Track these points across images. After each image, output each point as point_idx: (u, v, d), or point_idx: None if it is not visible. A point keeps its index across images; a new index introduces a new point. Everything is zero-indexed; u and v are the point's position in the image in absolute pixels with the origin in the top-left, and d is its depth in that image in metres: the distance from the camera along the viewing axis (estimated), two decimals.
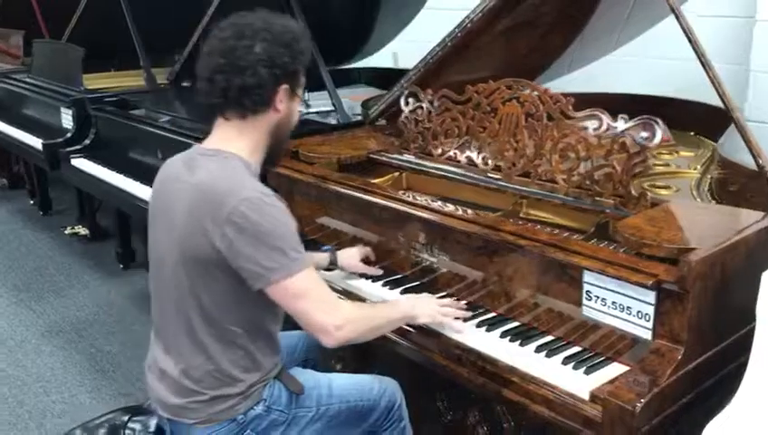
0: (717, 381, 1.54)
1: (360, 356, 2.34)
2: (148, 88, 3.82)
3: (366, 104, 3.11)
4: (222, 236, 1.47)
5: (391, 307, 1.74)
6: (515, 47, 2.57)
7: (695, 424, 1.61)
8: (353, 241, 2.11)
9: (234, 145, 1.60)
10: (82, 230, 4.37)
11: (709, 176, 2.14)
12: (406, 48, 4.50)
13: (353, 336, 1.57)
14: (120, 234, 3.99)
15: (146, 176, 3.11)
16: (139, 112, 3.38)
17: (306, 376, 1.71)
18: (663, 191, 1.97)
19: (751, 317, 1.57)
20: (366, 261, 2.02)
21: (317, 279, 1.56)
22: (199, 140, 2.73)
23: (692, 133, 2.57)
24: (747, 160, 2.00)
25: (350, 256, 1.98)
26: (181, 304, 1.57)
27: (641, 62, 3.50)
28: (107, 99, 3.56)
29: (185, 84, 3.75)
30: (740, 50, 3.12)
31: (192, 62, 3.53)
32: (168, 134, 2.93)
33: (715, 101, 2.76)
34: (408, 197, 2.00)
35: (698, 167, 2.25)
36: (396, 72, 3.87)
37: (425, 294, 1.83)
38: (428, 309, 1.73)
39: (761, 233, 1.54)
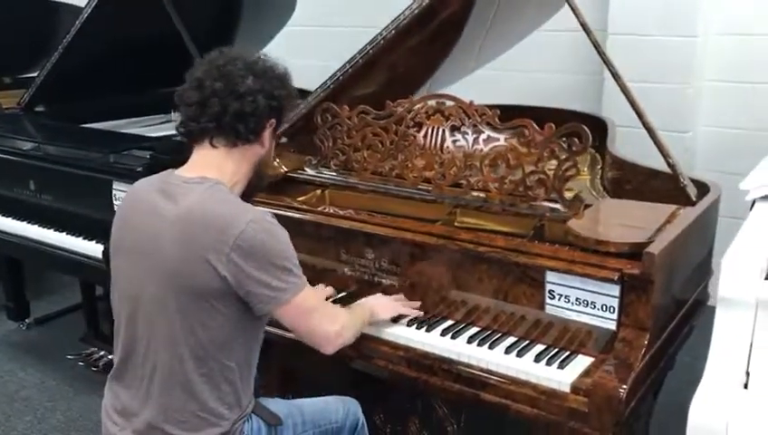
0: (667, 361, 1.70)
1: (284, 380, 2.31)
2: None
3: None
4: (228, 262, 1.42)
5: (360, 309, 1.76)
6: (401, 65, 2.64)
7: (648, 404, 1.79)
8: None
9: (217, 173, 1.55)
10: None
11: (598, 177, 2.35)
12: None
13: (346, 341, 1.62)
14: None
15: (12, 209, 2.84)
16: None
17: (278, 406, 1.66)
18: (567, 193, 2.12)
19: (686, 299, 1.78)
20: None
21: (317, 291, 1.62)
22: (87, 168, 2.58)
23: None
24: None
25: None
26: (168, 343, 1.47)
27: (498, 75, 3.74)
28: None
29: (39, 109, 3.44)
30: (595, 61, 3.43)
31: (51, 84, 3.31)
32: (46, 164, 2.69)
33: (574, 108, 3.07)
34: (352, 213, 2.00)
35: (585, 169, 2.45)
36: None
37: (376, 294, 1.86)
38: (385, 304, 1.80)
39: (694, 223, 1.72)
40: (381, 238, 1.87)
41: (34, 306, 3.54)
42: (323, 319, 1.57)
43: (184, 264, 1.44)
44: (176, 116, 3.68)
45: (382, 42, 2.26)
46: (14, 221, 2.79)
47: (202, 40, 3.56)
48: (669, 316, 1.69)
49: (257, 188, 1.72)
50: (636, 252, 1.56)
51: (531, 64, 3.76)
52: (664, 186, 2.05)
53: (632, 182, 2.21)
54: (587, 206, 1.89)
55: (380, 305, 1.80)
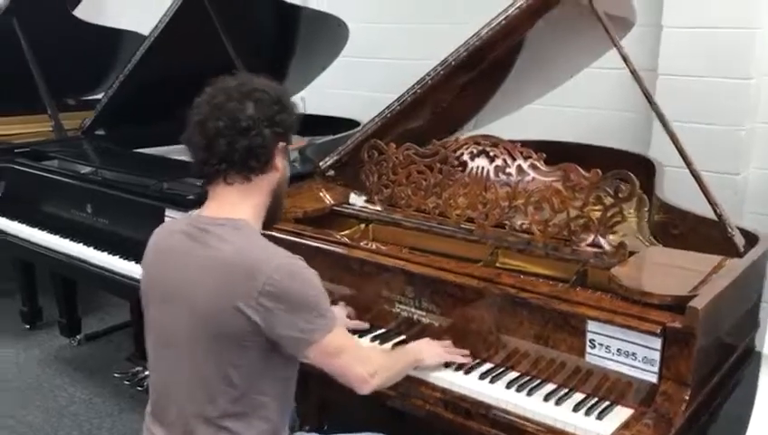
0: (710, 415, 1.67)
1: (321, 410, 2.34)
2: (57, 137, 3.61)
3: (304, 152, 3.13)
4: (257, 308, 1.43)
5: (404, 352, 1.76)
6: (446, 103, 2.65)
7: None
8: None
9: (240, 211, 1.56)
10: None
11: (645, 220, 2.33)
12: (309, 93, 4.56)
13: (383, 382, 1.62)
14: (25, 290, 3.70)
15: (72, 232, 2.95)
16: (56, 164, 3.19)
17: None
18: (612, 236, 2.11)
19: (731, 351, 1.75)
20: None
21: (347, 332, 1.61)
22: (140, 194, 2.68)
23: None
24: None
25: (339, 314, 1.94)
26: (201, 386, 1.50)
27: (545, 109, 3.74)
28: (17, 150, 3.32)
29: (99, 133, 3.58)
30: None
31: (110, 109, 3.45)
32: (101, 188, 2.80)
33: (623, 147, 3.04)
34: (393, 250, 2.02)
35: (631, 211, 2.43)
36: (308, 117, 3.92)
37: (425, 339, 1.86)
38: (434, 350, 1.79)
39: (741, 276, 1.70)
40: (422, 278, 1.89)
41: (85, 322, 3.65)
42: (354, 361, 1.55)
43: (215, 310, 1.46)
44: None
45: (430, 81, 2.30)
46: (71, 242, 2.89)
47: (256, 70, 3.67)
48: (713, 370, 1.66)
49: (278, 214, 1.70)
50: (679, 305, 1.54)
51: (579, 100, 3.75)
52: (711, 233, 2.01)
53: (679, 227, 2.18)
54: (631, 252, 1.88)
55: (428, 352, 1.79)
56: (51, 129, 3.72)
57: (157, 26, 3.10)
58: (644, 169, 2.74)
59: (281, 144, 1.58)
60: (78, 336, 3.58)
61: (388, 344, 1.92)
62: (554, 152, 2.08)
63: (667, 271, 1.81)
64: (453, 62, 2.24)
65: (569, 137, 3.10)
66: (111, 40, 4.37)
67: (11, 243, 3.13)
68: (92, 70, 4.43)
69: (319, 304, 1.50)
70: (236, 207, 1.56)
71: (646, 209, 2.39)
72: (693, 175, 1.98)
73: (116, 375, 3.13)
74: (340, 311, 1.98)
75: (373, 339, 1.96)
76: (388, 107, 2.43)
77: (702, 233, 2.06)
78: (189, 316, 1.49)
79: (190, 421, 1.52)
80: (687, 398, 1.51)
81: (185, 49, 3.17)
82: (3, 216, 3.19)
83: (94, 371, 3.33)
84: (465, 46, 2.22)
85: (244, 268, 1.45)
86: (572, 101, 3.73)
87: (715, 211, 1.94)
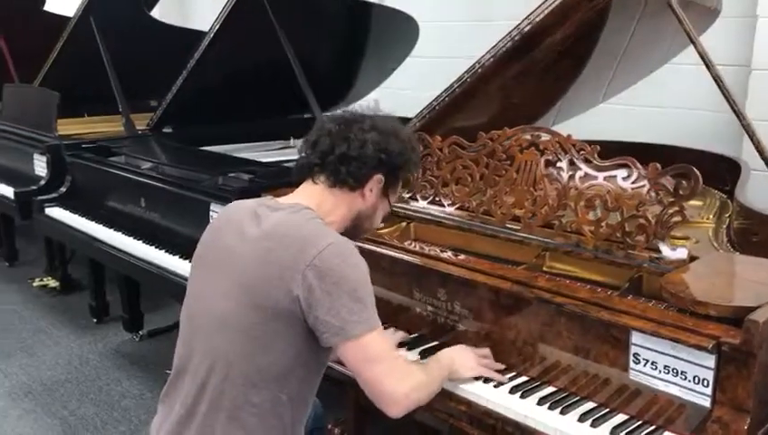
0: None
1: (359, 416, 2.20)
2: (127, 134, 3.67)
3: None
4: (302, 281, 1.36)
5: (438, 365, 1.58)
6: (511, 96, 2.49)
7: None
8: None
9: (313, 205, 1.54)
10: (52, 282, 4.15)
11: (724, 225, 2.07)
12: (382, 95, 4.46)
13: (416, 405, 1.45)
14: (93, 286, 3.77)
15: (127, 225, 2.95)
16: (119, 159, 3.22)
17: None
18: (682, 242, 1.87)
19: None
20: None
21: (389, 341, 1.49)
22: (186, 188, 2.65)
23: None
24: None
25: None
26: (224, 363, 1.42)
27: (629, 110, 3.48)
28: (85, 145, 3.38)
29: (166, 130, 3.61)
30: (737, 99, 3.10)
31: (175, 106, 3.47)
32: (152, 182, 2.79)
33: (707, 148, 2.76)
34: (426, 249, 1.87)
35: (710, 216, 2.17)
36: None
37: (460, 346, 1.69)
38: (469, 362, 1.62)
39: None
40: (453, 279, 1.73)
41: (149, 319, 3.67)
42: (391, 374, 1.41)
43: (259, 280, 1.41)
44: (294, 142, 3.78)
45: (480, 70, 2.15)
46: (122, 236, 2.89)
47: (319, 69, 3.60)
48: None
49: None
50: (740, 318, 1.31)
51: (666, 100, 3.46)
52: None
53: (760, 234, 1.93)
54: (694, 258, 1.65)
55: (462, 364, 1.62)
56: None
57: (214, 24, 3.08)
58: (731, 171, 2.48)
59: (379, 175, 1.57)
60: (141, 332, 3.60)
61: (416, 351, 1.77)
62: (635, 153, 1.86)
63: (735, 281, 1.57)
64: (503, 48, 2.07)
65: (653, 139, 2.86)
66: (192, 41, 4.43)
67: (72, 235, 3.17)
68: (174, 71, 4.51)
69: (364, 296, 1.41)
70: (313, 202, 1.54)
71: (727, 215, 2.14)
72: None
73: (167, 372, 3.11)
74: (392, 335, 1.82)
75: (401, 345, 1.80)
76: (436, 98, 2.29)
77: None
78: (232, 286, 1.45)
79: (199, 403, 1.44)
80: (747, 427, 1.28)
81: (244, 47, 3.15)
82: (66, 208, 3.25)
83: (150, 366, 3.33)
84: (518, 31, 2.05)
85: (295, 240, 1.41)
86: (658, 101, 3.45)
87: None
